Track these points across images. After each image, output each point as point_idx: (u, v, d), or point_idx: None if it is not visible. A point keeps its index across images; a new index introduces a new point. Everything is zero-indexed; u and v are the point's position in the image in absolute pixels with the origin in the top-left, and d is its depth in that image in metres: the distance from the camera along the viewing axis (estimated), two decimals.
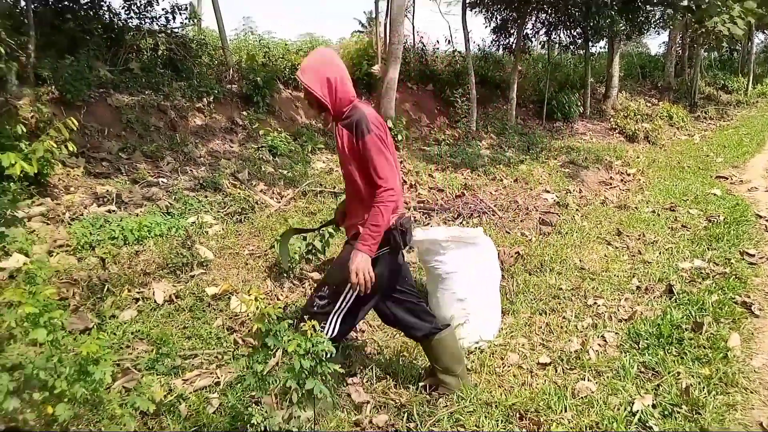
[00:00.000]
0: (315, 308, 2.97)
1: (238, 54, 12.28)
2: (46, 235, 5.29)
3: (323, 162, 9.61)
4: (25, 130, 6.40)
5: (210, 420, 3.03)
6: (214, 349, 3.84)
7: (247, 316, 4.25)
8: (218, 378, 3.46)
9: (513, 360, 3.84)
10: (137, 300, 4.41)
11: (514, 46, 15.37)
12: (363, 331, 4.13)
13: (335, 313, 2.96)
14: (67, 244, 5.18)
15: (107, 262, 4.88)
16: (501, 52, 16.77)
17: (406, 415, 3.20)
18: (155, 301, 4.36)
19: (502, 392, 3.45)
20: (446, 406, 3.29)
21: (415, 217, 6.79)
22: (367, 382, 3.53)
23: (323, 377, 2.56)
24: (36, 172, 6.00)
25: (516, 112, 14.61)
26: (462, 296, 4.04)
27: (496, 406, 3.27)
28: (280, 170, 8.61)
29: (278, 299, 4.52)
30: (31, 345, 2.44)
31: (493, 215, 7.02)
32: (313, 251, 4.99)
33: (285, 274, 4.91)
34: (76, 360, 2.08)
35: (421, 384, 3.45)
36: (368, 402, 3.29)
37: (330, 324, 2.95)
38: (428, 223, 6.63)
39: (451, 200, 7.70)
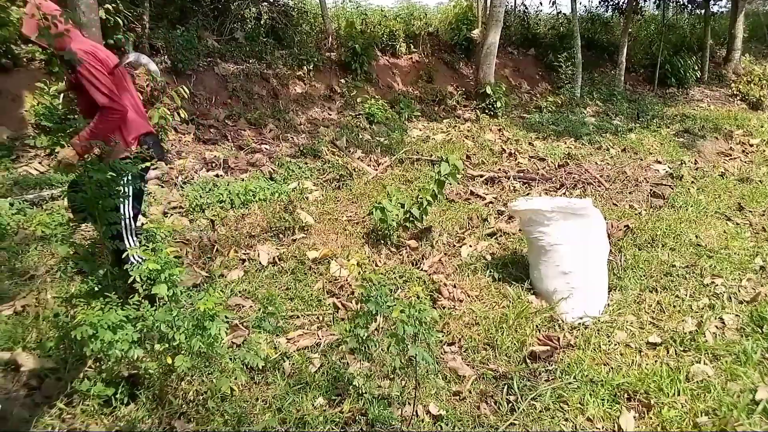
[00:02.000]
0: None
1: (337, 21, 12.32)
2: (162, 197, 5.63)
3: (419, 130, 9.52)
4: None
5: (312, 379, 3.11)
6: (315, 311, 3.94)
7: (347, 280, 4.32)
8: (319, 339, 3.55)
9: (620, 338, 3.65)
10: (243, 261, 4.60)
11: (624, 6, 14.34)
12: (461, 301, 4.07)
13: None
14: (180, 206, 5.49)
15: (216, 224, 5.12)
16: (610, 13, 15.72)
17: (505, 387, 3.14)
18: (260, 263, 4.53)
19: (608, 370, 3.29)
20: (548, 380, 3.19)
21: (514, 187, 6.58)
22: (465, 352, 3.49)
23: (426, 344, 2.54)
24: None
25: (625, 77, 13.72)
26: (566, 269, 3.88)
27: (602, 384, 3.13)
28: (377, 138, 8.63)
29: (376, 265, 4.55)
30: (151, 299, 2.59)
31: (599, 186, 6.67)
32: (411, 219, 4.97)
33: (383, 241, 4.93)
34: (194, 315, 2.19)
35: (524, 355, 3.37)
36: (467, 372, 3.25)
37: None
38: (529, 193, 6.40)
39: (553, 170, 7.39)
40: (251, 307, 3.90)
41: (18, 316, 3.50)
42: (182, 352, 2.25)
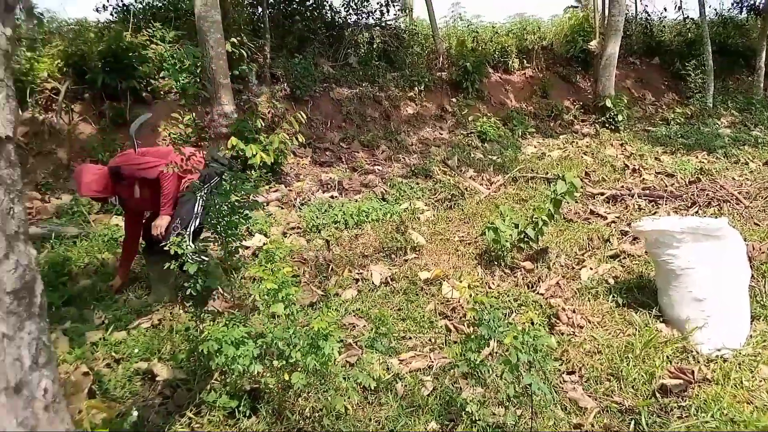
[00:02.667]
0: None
1: (448, 41, 12.40)
2: (281, 218, 5.91)
3: (534, 146, 9.27)
4: (263, 124, 7.26)
5: (424, 402, 3.08)
6: (427, 333, 3.91)
7: (458, 302, 4.25)
8: (432, 362, 3.51)
9: (766, 374, 3.26)
10: (357, 280, 4.68)
11: (762, 7, 13.13)
12: (581, 327, 3.86)
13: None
14: (298, 227, 5.72)
15: (331, 244, 5.28)
16: (744, 14, 14.48)
17: (632, 422, 2.91)
18: (373, 283, 4.59)
19: (752, 410, 2.95)
20: (681, 417, 2.92)
21: (639, 205, 6.18)
22: (586, 382, 3.28)
23: (542, 373, 2.42)
24: (272, 161, 6.77)
25: (764, 83, 12.50)
26: (700, 296, 3.55)
27: (745, 425, 2.81)
28: (489, 156, 8.51)
29: (489, 287, 4.45)
30: (270, 316, 2.69)
31: (737, 204, 6.07)
32: (526, 239, 4.81)
33: (496, 263, 4.82)
34: (308, 334, 2.25)
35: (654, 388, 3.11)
36: (589, 403, 3.05)
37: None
38: (655, 212, 5.98)
39: (683, 187, 6.85)
40: (364, 326, 3.95)
41: (155, 329, 3.81)
42: (298, 369, 2.32)
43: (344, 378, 3.02)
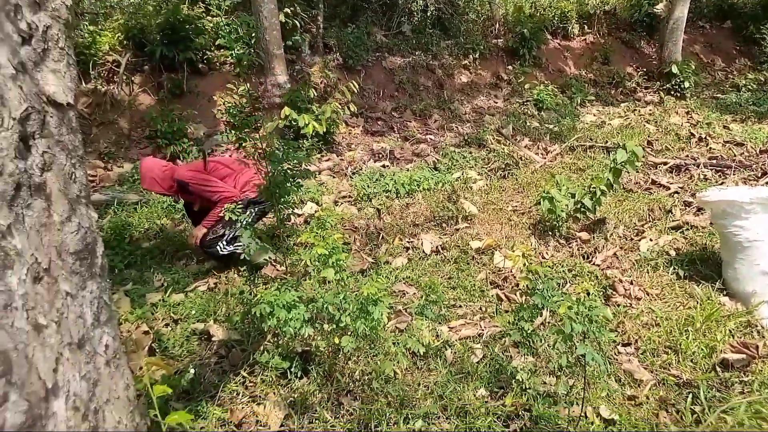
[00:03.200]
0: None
1: (505, 7, 12.01)
2: (333, 187, 5.95)
3: (593, 115, 8.94)
4: (315, 93, 7.27)
5: (473, 369, 3.06)
6: (477, 301, 3.88)
7: (511, 271, 4.19)
8: (482, 330, 3.49)
9: None
10: (407, 249, 4.68)
11: None
12: (638, 299, 3.73)
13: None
14: (349, 195, 5.75)
15: (382, 212, 5.28)
16: None
17: (690, 395, 2.81)
18: (423, 251, 4.57)
19: None
20: (743, 393, 2.79)
21: (705, 175, 5.88)
22: (642, 354, 3.19)
23: (596, 343, 2.35)
24: (324, 131, 6.78)
25: None
26: None
27: None
28: (545, 125, 8.27)
29: (543, 258, 4.35)
30: (321, 282, 2.72)
31: None
32: (582, 209, 4.67)
33: (550, 233, 4.70)
34: (358, 299, 2.26)
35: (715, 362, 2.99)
36: (645, 376, 2.96)
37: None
38: (723, 183, 5.68)
39: (753, 156, 6.47)
40: (414, 294, 3.95)
41: (211, 291, 3.93)
42: (348, 333, 2.34)
43: (394, 343, 3.04)
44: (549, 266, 4.15)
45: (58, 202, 1.57)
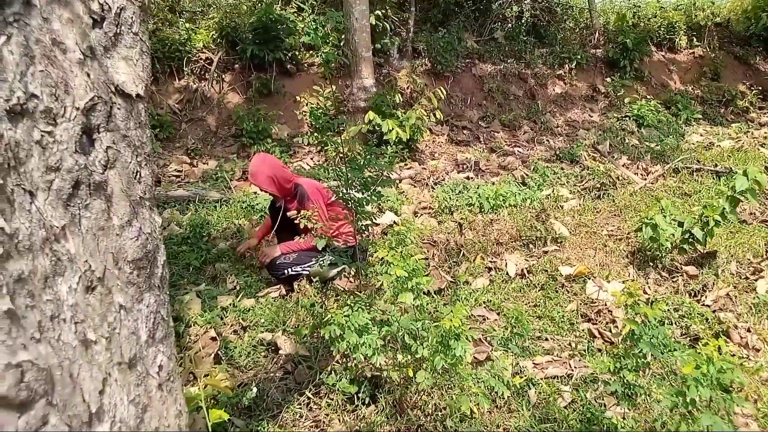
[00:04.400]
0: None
1: (605, 16, 11.38)
2: (413, 197, 5.70)
3: (700, 135, 8.22)
4: (401, 99, 7.07)
5: (561, 415, 2.72)
6: (566, 335, 3.51)
7: (605, 304, 3.78)
8: (571, 370, 3.12)
9: None
10: (489, 269, 4.36)
11: None
12: (757, 350, 3.24)
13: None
14: (429, 207, 5.48)
15: (464, 227, 4.98)
16: None
17: None
18: (507, 273, 4.24)
19: None
20: None
21: None
22: (763, 418, 2.72)
23: (725, 413, 1.96)
24: (408, 137, 6.58)
25: None
26: None
27: None
28: (646, 143, 7.67)
29: (644, 293, 3.90)
30: (395, 302, 2.47)
31: None
32: (690, 240, 4.17)
33: (651, 264, 4.24)
34: (439, 331, 1.99)
35: None
36: None
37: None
38: None
39: None
40: (495, 320, 3.63)
41: (282, 299, 3.77)
42: (425, 367, 2.08)
43: (473, 381, 2.75)
44: (654, 301, 3.71)
45: (119, 204, 1.40)
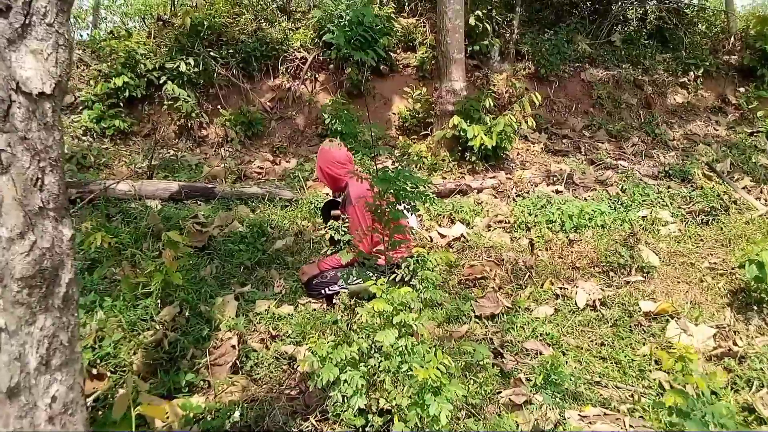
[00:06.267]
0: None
1: (745, 21, 10.08)
2: (490, 209, 5.31)
3: None
4: (493, 104, 6.66)
5: None
6: (631, 383, 3.00)
7: (686, 350, 3.20)
8: (625, 428, 2.64)
9: None
10: (557, 296, 3.89)
11: None
12: None
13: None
14: (505, 221, 5.06)
15: (537, 246, 4.52)
16: None
17: None
18: (575, 303, 3.75)
19: None
20: None
21: None
22: None
23: None
24: (494, 144, 6.17)
25: None
26: None
27: None
28: None
29: (735, 344, 3.26)
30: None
31: None
32: None
33: (755, 307, 3.56)
34: (414, 381, 1.68)
35: None
36: None
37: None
38: None
39: None
40: (550, 355, 3.19)
41: (321, 310, 3.59)
42: (404, 419, 1.77)
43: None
44: (740, 355, 3.09)
45: (9, 214, 1.25)
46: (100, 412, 2.52)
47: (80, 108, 7.03)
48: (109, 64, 6.99)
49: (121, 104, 7.00)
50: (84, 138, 6.78)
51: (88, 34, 9.11)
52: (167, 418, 2.09)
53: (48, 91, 1.28)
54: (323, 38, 7.64)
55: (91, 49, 7.56)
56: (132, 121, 7.05)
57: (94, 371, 2.75)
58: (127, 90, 6.90)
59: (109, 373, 2.82)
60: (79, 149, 6.30)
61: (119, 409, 1.66)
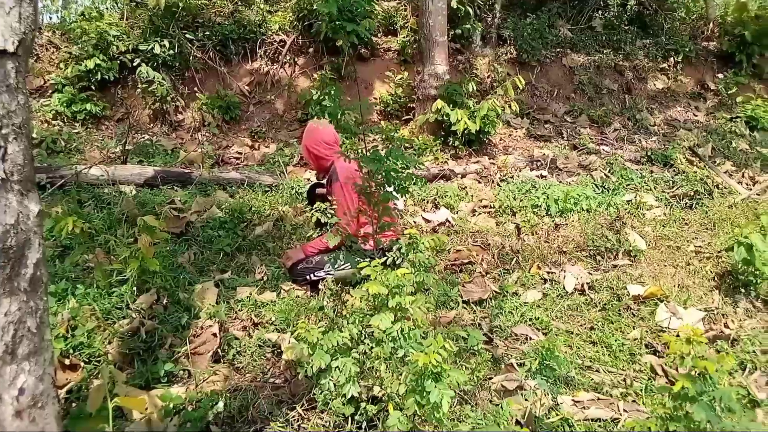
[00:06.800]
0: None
1: (723, 7, 10.13)
2: (475, 193, 5.23)
3: None
4: (475, 88, 6.57)
5: None
6: (622, 368, 2.96)
7: (677, 334, 3.17)
8: (618, 413, 2.59)
9: None
10: (545, 281, 3.84)
11: None
12: None
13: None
14: (490, 205, 5.00)
15: (523, 231, 4.46)
16: None
17: None
18: (563, 287, 3.70)
19: None
20: None
21: None
22: None
23: None
24: (477, 129, 6.08)
25: None
26: None
27: None
28: (757, 148, 6.67)
29: (726, 327, 3.24)
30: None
31: None
32: None
33: (743, 290, 3.54)
34: (413, 367, 1.59)
35: None
36: None
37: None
38: None
39: None
40: (539, 342, 3.14)
41: (305, 296, 3.48)
42: (401, 408, 1.68)
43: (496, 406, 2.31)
44: (732, 338, 3.07)
45: None
46: (74, 405, 2.39)
47: (50, 92, 6.76)
48: (80, 46, 6.71)
49: (93, 87, 6.74)
50: (54, 122, 6.52)
51: (58, 17, 8.74)
52: (146, 409, 1.96)
53: (10, 49, 1.14)
54: (303, 21, 7.43)
55: (61, 32, 7.27)
56: (104, 104, 6.80)
57: (67, 361, 2.61)
58: (99, 73, 6.64)
59: (83, 364, 2.68)
60: (49, 134, 6.05)
61: (95, 401, 1.53)
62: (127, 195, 4.72)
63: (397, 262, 2.46)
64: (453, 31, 7.43)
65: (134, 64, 6.77)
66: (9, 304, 1.16)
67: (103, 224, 4.13)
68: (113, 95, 7.00)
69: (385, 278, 1.69)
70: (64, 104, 6.57)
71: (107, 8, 7.59)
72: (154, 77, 6.58)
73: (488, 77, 7.56)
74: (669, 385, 2.78)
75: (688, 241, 4.37)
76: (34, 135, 5.91)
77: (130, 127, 6.41)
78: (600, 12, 9.50)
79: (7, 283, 1.15)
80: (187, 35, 6.99)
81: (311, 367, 1.76)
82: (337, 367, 1.76)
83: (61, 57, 6.86)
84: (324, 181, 3.82)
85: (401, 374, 1.70)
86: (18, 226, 1.17)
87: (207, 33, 7.10)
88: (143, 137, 6.55)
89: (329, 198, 3.46)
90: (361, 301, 1.75)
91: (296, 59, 7.45)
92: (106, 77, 6.73)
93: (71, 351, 2.76)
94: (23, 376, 1.19)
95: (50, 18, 8.72)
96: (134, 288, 3.22)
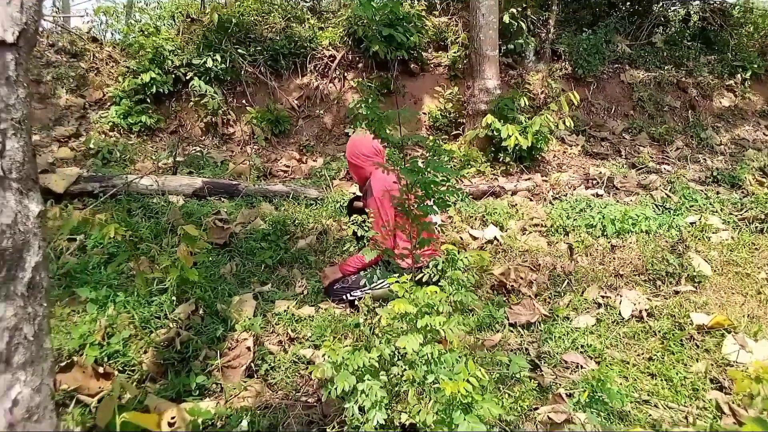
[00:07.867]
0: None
1: None
2: (526, 211, 5.02)
3: None
4: (528, 104, 6.37)
5: None
6: (683, 404, 2.69)
7: (744, 368, 2.88)
8: None
9: None
10: (599, 305, 3.59)
11: None
12: None
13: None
14: (542, 224, 4.77)
15: (576, 252, 4.22)
16: None
17: None
18: (619, 313, 3.45)
19: None
20: None
21: None
22: None
23: None
24: (529, 145, 5.88)
25: None
26: None
27: None
28: None
29: None
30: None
31: None
32: None
33: None
34: (441, 396, 1.43)
35: None
36: None
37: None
38: None
39: None
40: (591, 372, 2.90)
41: (338, 314, 3.36)
42: None
43: None
44: None
45: None
46: None
47: (108, 104, 6.98)
48: (137, 60, 6.92)
49: (148, 100, 6.92)
50: (111, 133, 6.72)
51: (120, 34, 9.09)
52: (158, 426, 1.87)
53: (10, 39, 1.07)
54: (353, 36, 7.43)
55: (121, 47, 7.53)
56: (159, 117, 6.97)
57: (101, 369, 2.57)
58: (155, 86, 6.82)
59: (117, 372, 2.64)
60: (106, 144, 6.22)
61: (104, 416, 1.45)
62: (174, 205, 4.75)
63: (433, 279, 2.31)
64: (505, 47, 7.27)
65: (188, 77, 6.92)
66: (4, 309, 1.08)
67: (150, 233, 4.15)
68: (167, 108, 7.16)
69: (414, 296, 1.55)
70: (121, 116, 6.77)
71: (164, 24, 7.81)
72: (206, 91, 6.70)
73: (541, 93, 7.34)
74: (737, 425, 2.52)
75: (758, 268, 4.03)
76: (91, 145, 6.09)
77: (181, 139, 6.52)
78: (661, 28, 9.14)
79: (2, 287, 1.08)
80: (239, 50, 7.10)
81: (335, 388, 1.63)
82: (363, 390, 1.62)
83: (119, 71, 7.08)
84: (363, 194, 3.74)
85: (431, 402, 1.55)
86: (15, 227, 1.09)
87: (258, 48, 7.20)
88: (194, 149, 6.65)
89: (366, 211, 3.35)
90: (387, 320, 1.62)
91: (345, 74, 7.45)
92: (161, 90, 6.90)
93: (105, 359, 2.72)
94: (18, 386, 1.11)
95: (113, 36, 9.06)
96: (173, 297, 3.18)
